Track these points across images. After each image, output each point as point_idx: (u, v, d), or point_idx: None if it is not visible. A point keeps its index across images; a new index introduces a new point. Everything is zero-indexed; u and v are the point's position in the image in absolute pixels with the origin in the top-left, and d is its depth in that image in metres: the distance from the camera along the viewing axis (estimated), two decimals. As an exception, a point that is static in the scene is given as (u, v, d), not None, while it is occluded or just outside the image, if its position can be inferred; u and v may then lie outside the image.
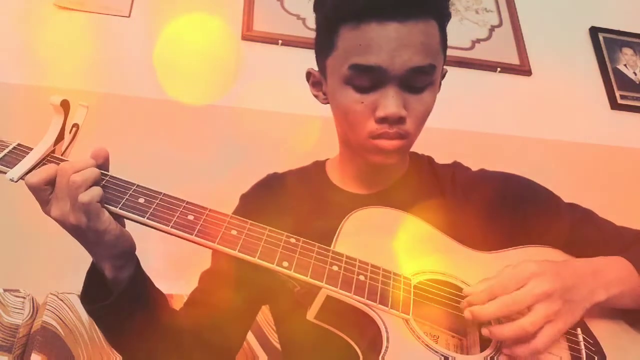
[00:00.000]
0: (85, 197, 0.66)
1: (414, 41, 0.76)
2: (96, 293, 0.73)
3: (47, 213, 0.69)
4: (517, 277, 0.67)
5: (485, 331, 0.67)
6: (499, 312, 0.66)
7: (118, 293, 0.71)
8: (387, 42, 0.76)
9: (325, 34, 0.82)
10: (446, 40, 0.83)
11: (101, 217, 0.67)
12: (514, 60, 1.94)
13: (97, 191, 0.67)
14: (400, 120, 0.78)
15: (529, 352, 0.66)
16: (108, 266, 0.72)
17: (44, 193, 0.68)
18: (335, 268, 0.69)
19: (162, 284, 1.36)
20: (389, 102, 0.77)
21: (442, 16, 0.81)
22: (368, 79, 0.78)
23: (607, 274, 0.74)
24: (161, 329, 0.78)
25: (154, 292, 0.79)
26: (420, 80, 0.79)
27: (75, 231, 0.68)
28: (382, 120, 0.78)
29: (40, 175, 0.67)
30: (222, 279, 0.91)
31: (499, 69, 1.91)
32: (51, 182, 0.68)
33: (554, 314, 0.66)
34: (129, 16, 1.70)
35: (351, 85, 0.80)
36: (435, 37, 0.79)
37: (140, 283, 0.75)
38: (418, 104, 0.80)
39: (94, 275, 0.73)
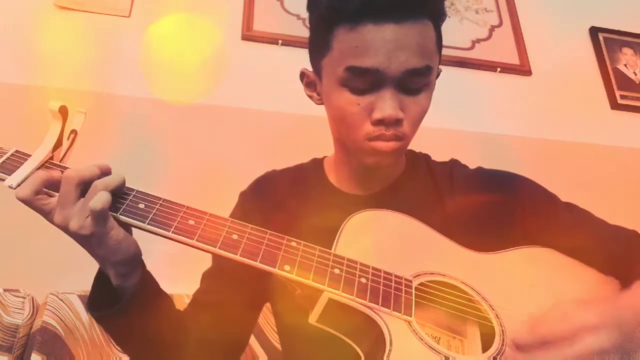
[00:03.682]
0: (96, 204, 0.65)
1: (411, 42, 0.75)
2: (102, 299, 0.72)
3: (51, 221, 0.68)
4: (571, 325, 0.61)
5: None
6: None
7: (123, 302, 0.71)
8: (383, 43, 0.75)
9: (320, 34, 0.81)
10: (441, 39, 0.83)
11: (108, 224, 0.67)
12: (514, 60, 1.93)
13: (106, 197, 0.66)
14: (397, 122, 0.78)
15: None
16: (113, 273, 0.71)
17: (40, 202, 0.68)
18: (336, 271, 0.69)
19: (162, 284, 1.36)
20: (386, 104, 0.77)
21: (437, 16, 0.80)
22: (364, 81, 0.77)
23: None
24: (168, 332, 0.78)
25: (161, 298, 0.79)
26: (416, 82, 0.78)
27: (78, 236, 0.68)
28: (378, 122, 0.78)
29: (30, 188, 0.67)
30: (225, 278, 0.91)
31: (499, 69, 1.91)
32: (40, 191, 0.68)
33: None
34: (129, 16, 1.69)
35: (347, 87, 0.79)
36: (431, 37, 0.79)
37: (146, 290, 0.75)
38: (414, 105, 0.79)
39: (100, 281, 0.73)
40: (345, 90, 0.79)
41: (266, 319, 1.34)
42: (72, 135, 0.75)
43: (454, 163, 0.97)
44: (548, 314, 0.64)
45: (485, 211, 0.87)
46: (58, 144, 0.74)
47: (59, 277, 1.37)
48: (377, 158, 0.81)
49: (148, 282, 0.76)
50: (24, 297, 1.27)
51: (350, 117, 0.80)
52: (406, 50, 0.75)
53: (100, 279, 0.73)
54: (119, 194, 0.70)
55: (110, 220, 0.67)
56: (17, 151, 0.72)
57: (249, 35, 1.75)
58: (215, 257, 0.95)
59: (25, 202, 0.67)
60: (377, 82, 0.77)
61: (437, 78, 0.87)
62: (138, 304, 0.72)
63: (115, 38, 1.65)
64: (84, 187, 0.67)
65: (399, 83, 0.77)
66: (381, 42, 0.75)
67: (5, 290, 1.27)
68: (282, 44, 1.75)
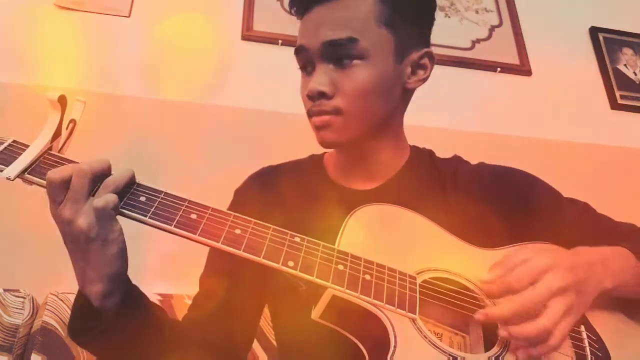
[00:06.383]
0: (100, 202, 0.63)
1: (332, 17, 0.80)
2: (84, 324, 0.69)
3: (59, 213, 0.65)
4: (532, 271, 0.66)
5: (503, 333, 0.65)
6: (517, 312, 0.64)
7: (108, 323, 0.68)
8: (310, 24, 0.83)
9: None
10: (404, 11, 0.83)
11: (114, 226, 0.66)
12: (514, 60, 1.94)
13: (112, 197, 0.65)
14: (323, 95, 0.81)
15: (546, 351, 0.65)
16: (95, 291, 0.67)
17: (61, 193, 0.65)
18: (340, 267, 0.68)
19: (162, 284, 1.36)
20: (313, 79, 0.81)
21: None
22: (301, 60, 0.85)
23: (613, 264, 0.74)
24: (162, 344, 0.75)
25: (149, 311, 0.75)
26: (340, 54, 0.80)
27: (82, 236, 0.65)
28: (309, 98, 0.82)
29: (62, 173, 0.64)
30: (222, 280, 0.90)
31: (499, 69, 1.91)
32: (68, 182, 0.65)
33: (569, 308, 0.65)
34: (129, 16, 1.69)
35: (302, 71, 0.87)
36: (364, 8, 0.80)
37: (132, 306, 0.71)
38: (347, 79, 0.80)
39: (80, 306, 0.69)
40: (302, 74, 0.87)
41: (266, 319, 1.33)
42: (70, 125, 0.72)
43: (457, 159, 0.97)
44: (508, 262, 0.68)
45: (489, 206, 0.87)
46: (57, 134, 0.71)
47: (59, 277, 1.36)
48: (319, 134, 0.85)
49: (133, 297, 0.73)
50: (24, 297, 1.27)
51: (302, 99, 0.86)
52: (326, 25, 0.80)
53: (80, 303, 0.69)
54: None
55: (117, 224, 0.66)
56: (14, 141, 0.70)
57: (249, 35, 1.75)
58: (210, 260, 0.94)
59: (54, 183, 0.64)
60: (310, 60, 0.83)
61: (431, 60, 0.87)
62: (124, 322, 0.69)
63: (115, 38, 1.65)
64: (95, 180, 0.66)
65: (324, 57, 0.81)
66: (309, 24, 0.83)
67: (5, 290, 1.26)
68: (282, 44, 1.75)
